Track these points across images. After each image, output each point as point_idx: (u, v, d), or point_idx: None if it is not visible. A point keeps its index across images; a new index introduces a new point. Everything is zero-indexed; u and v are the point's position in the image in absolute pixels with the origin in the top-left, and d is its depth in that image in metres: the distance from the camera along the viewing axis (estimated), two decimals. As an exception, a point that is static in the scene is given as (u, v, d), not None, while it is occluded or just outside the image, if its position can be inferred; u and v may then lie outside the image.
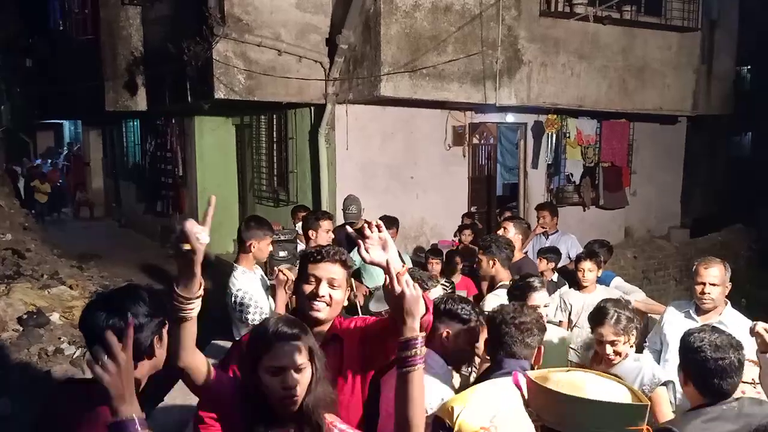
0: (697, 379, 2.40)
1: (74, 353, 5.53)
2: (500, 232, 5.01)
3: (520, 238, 5.03)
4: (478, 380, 2.51)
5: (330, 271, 2.31)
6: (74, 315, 6.29)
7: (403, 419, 1.85)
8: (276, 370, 1.84)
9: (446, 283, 5.04)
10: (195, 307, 1.79)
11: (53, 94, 14.40)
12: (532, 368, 2.42)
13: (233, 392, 1.95)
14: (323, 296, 2.26)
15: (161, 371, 1.96)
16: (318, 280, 2.30)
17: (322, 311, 2.26)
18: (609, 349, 3.14)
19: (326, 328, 2.32)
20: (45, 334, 5.78)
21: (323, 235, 4.96)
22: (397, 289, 1.81)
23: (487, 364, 2.76)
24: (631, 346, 3.22)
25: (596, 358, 3.31)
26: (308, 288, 2.32)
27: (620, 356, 3.15)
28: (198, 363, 1.89)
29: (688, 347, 2.45)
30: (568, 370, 2.23)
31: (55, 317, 6.11)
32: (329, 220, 5.22)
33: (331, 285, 2.30)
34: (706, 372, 2.36)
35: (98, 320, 1.77)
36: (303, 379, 1.86)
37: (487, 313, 2.77)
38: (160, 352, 1.92)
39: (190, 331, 1.83)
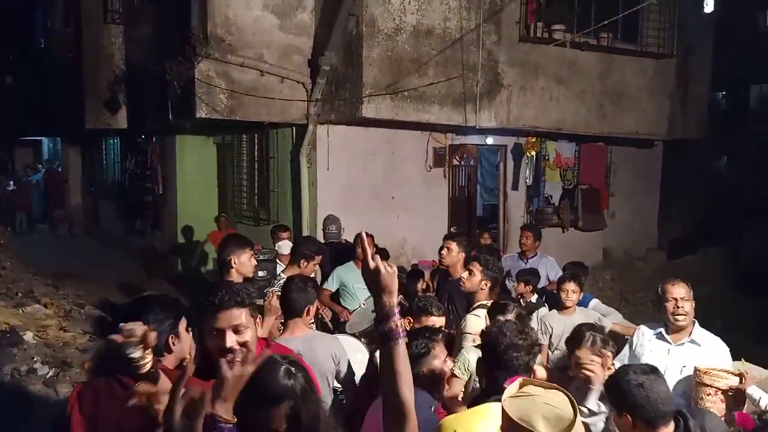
0: (647, 416, 2.44)
1: (47, 373, 5.43)
2: (443, 252, 4.96)
3: (462, 257, 4.85)
4: (474, 402, 2.47)
5: (230, 318, 2.29)
6: (48, 334, 6.19)
7: (393, 394, 1.86)
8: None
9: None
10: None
11: (33, 111, 14.26)
12: None
13: None
14: (231, 347, 2.25)
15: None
16: (222, 332, 2.28)
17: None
18: (588, 373, 3.13)
19: None
20: (18, 354, 5.67)
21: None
22: (372, 264, 1.86)
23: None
24: (609, 369, 3.21)
25: (572, 382, 3.31)
26: (214, 342, 2.30)
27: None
28: None
29: (626, 392, 2.48)
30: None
31: (29, 336, 6.00)
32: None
33: (236, 331, 2.29)
34: (655, 408, 2.43)
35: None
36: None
37: (482, 332, 2.72)
38: (178, 347, 2.27)
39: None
